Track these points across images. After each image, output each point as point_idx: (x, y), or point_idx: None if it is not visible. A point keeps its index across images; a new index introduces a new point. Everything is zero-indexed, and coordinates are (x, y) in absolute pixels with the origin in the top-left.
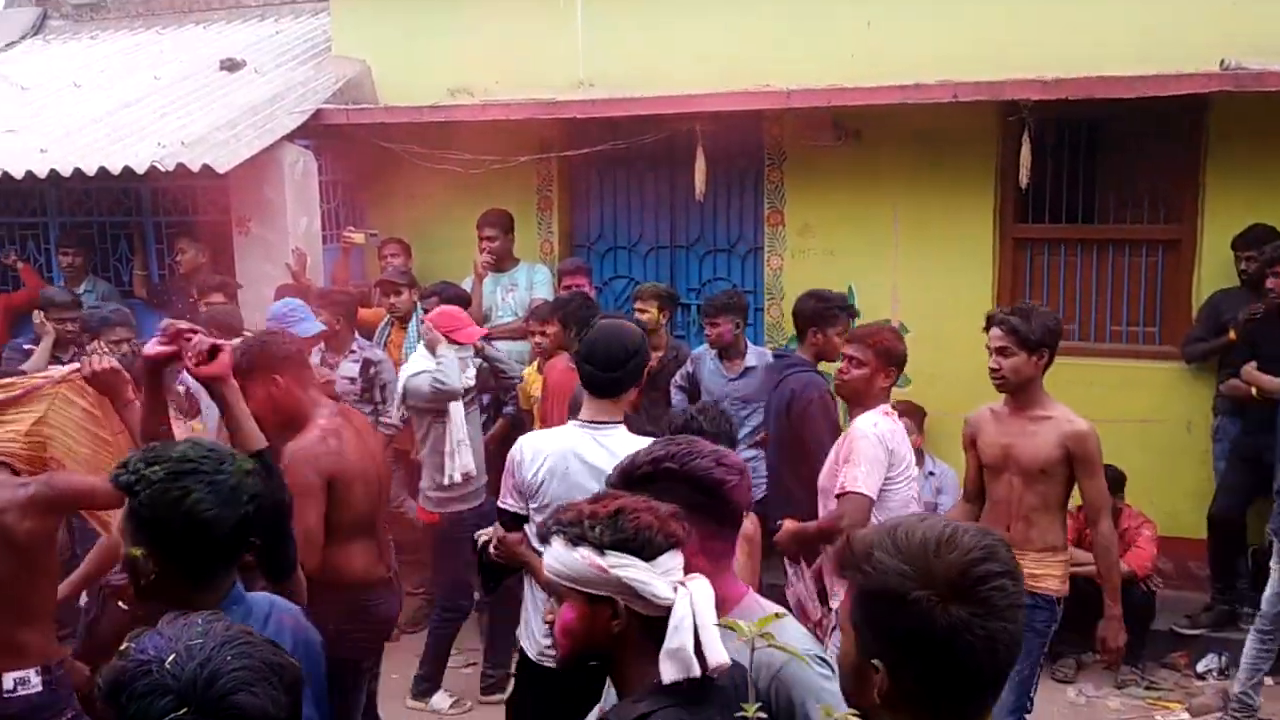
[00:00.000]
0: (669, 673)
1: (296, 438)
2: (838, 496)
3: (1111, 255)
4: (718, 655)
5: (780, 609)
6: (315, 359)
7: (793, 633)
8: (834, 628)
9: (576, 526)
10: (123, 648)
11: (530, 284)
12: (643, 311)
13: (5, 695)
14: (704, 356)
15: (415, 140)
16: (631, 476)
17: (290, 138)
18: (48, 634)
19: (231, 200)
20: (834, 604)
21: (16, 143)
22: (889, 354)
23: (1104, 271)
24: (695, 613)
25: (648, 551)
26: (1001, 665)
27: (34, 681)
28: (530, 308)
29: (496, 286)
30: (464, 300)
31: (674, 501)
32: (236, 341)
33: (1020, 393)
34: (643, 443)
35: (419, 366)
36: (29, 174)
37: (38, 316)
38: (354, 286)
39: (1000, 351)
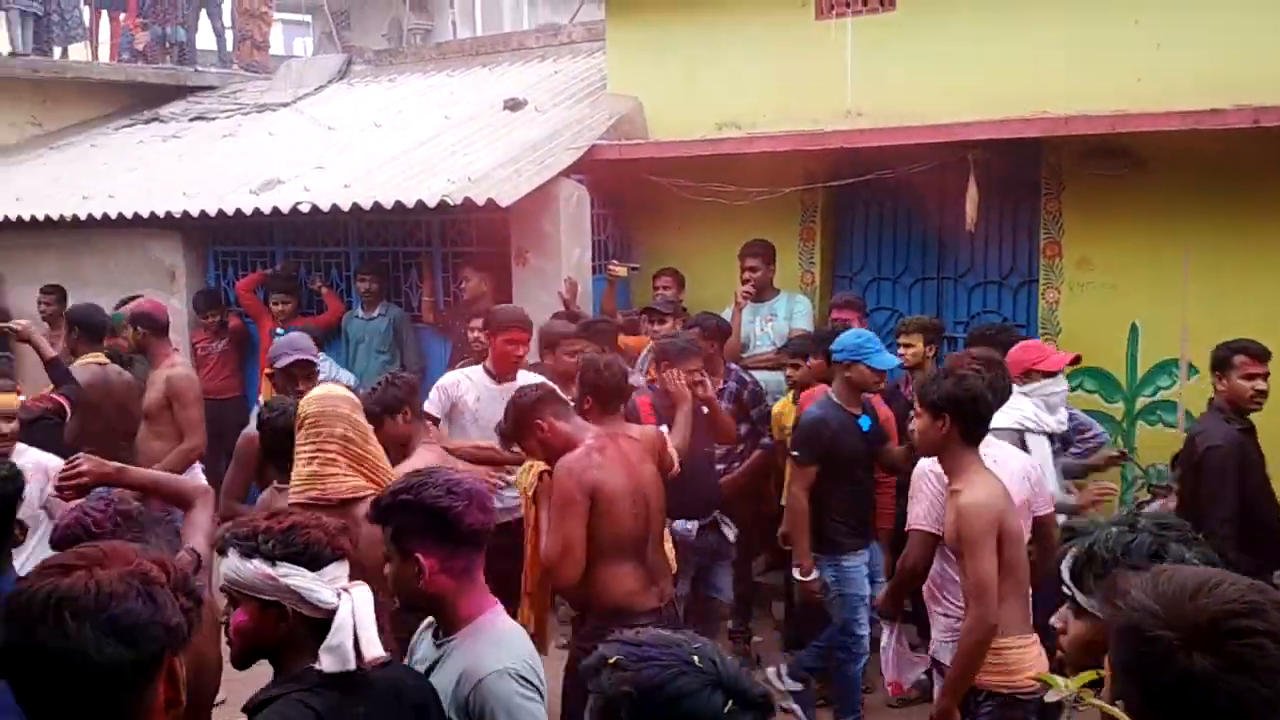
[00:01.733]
0: (328, 665)
1: (562, 458)
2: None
3: None
4: (374, 650)
5: (519, 627)
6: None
7: (512, 651)
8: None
9: (251, 541)
10: (612, 659)
11: (790, 314)
12: (907, 345)
13: None
14: None
15: (683, 173)
16: (378, 507)
17: (566, 173)
18: None
19: (511, 232)
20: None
21: (324, 179)
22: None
23: None
24: (355, 614)
25: (316, 563)
26: None
27: None
28: (788, 339)
29: (755, 316)
30: (725, 330)
31: (414, 527)
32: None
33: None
34: None
35: None
36: (334, 207)
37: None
38: (622, 316)
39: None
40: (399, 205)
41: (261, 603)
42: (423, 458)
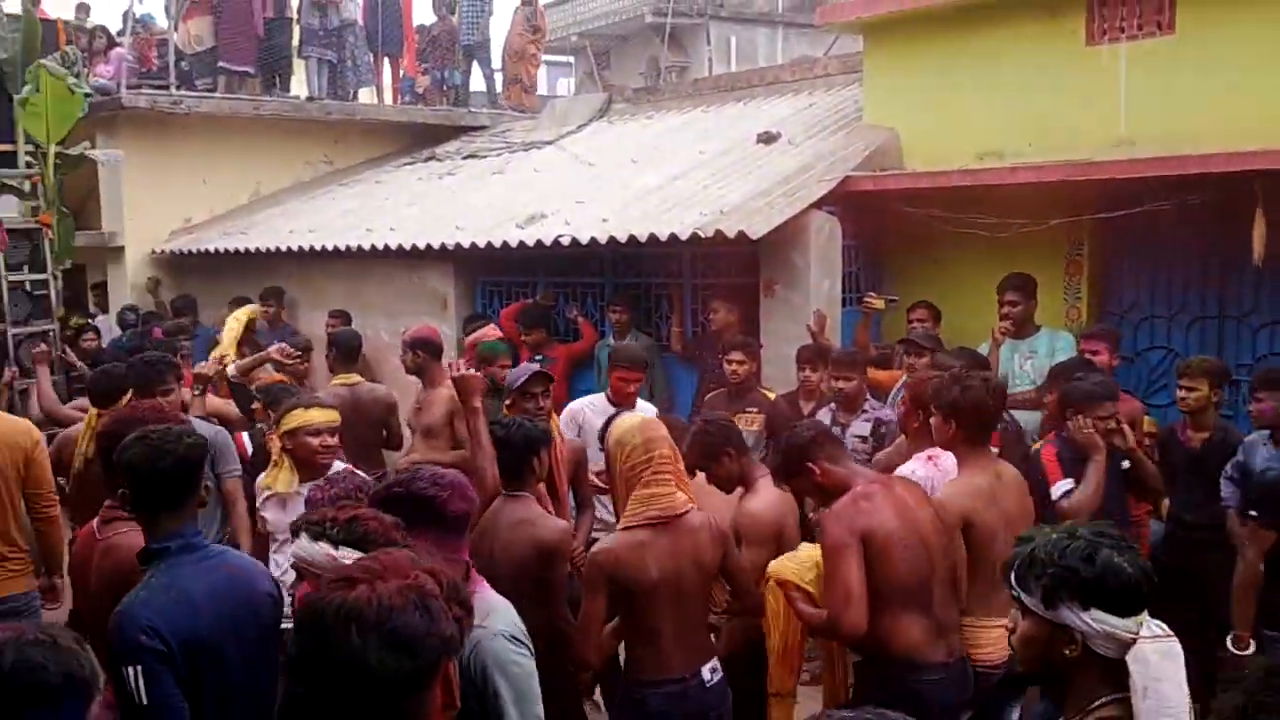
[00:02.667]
0: None
1: (831, 505)
2: None
3: None
4: None
5: (506, 600)
6: (826, 418)
7: (503, 616)
8: None
9: (319, 526)
10: None
11: (1051, 352)
12: (1190, 389)
13: (707, 686)
14: (1256, 444)
15: (940, 205)
16: (377, 499)
17: (818, 204)
18: None
19: (761, 264)
20: None
21: (584, 213)
22: (917, 399)
23: None
24: None
25: (371, 550)
26: None
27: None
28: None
29: (1014, 353)
30: (983, 367)
31: (404, 515)
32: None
33: None
34: None
35: None
36: (592, 240)
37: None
38: (874, 349)
39: None
40: (653, 238)
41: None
42: (766, 492)
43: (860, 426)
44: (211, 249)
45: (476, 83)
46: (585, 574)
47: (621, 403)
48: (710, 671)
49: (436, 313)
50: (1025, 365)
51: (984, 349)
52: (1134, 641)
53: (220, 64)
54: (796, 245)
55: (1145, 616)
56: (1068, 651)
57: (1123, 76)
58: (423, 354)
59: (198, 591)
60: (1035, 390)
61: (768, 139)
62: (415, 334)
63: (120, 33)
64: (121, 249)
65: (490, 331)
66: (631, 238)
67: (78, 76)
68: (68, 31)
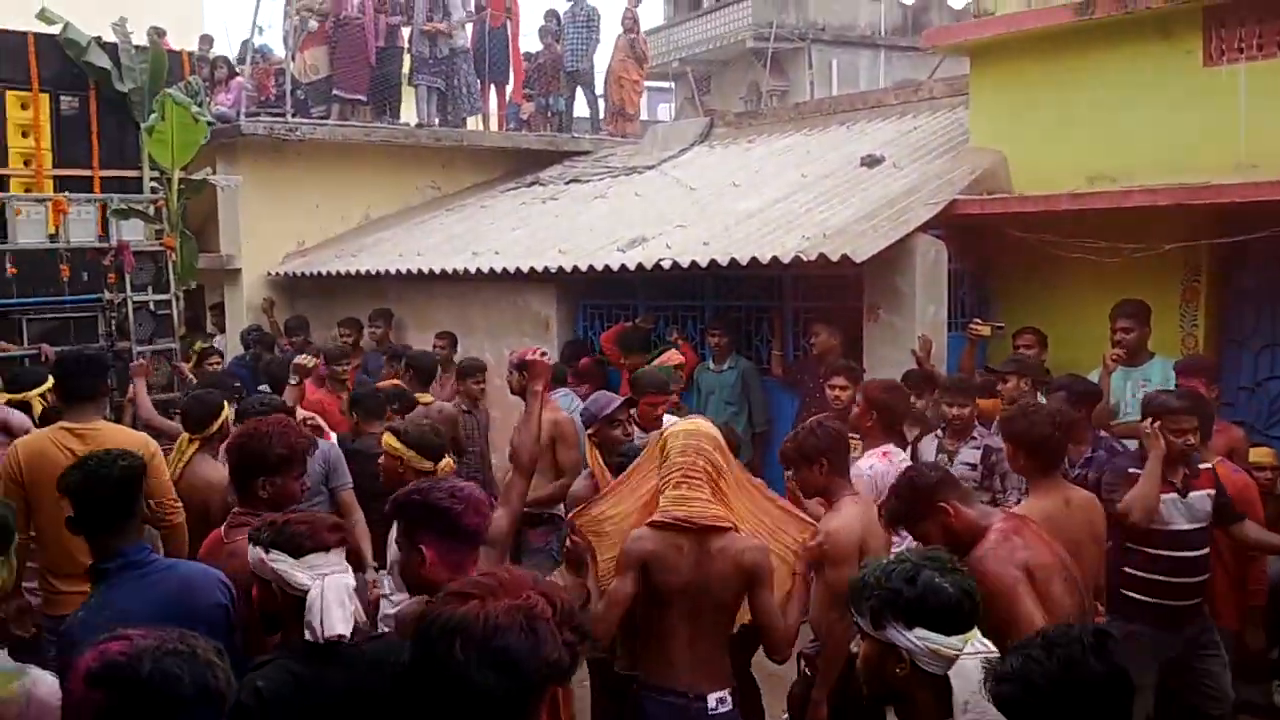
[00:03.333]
0: (307, 635)
1: (975, 548)
2: None
3: None
4: (330, 629)
5: None
6: (932, 445)
7: None
8: None
9: (256, 531)
10: None
11: (1165, 380)
12: None
13: (710, 713)
14: None
15: (1048, 229)
16: (394, 504)
17: (923, 228)
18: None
19: (865, 288)
20: None
21: (685, 236)
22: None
23: None
24: (323, 596)
25: (297, 551)
26: None
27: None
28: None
29: (1127, 381)
30: (1094, 395)
31: (420, 522)
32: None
33: None
34: None
35: None
36: (693, 263)
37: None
38: (979, 375)
39: None
40: (754, 261)
41: (263, 581)
42: (848, 509)
43: (969, 454)
44: (323, 271)
45: (581, 109)
46: (623, 557)
47: (649, 427)
48: (718, 701)
49: (539, 334)
50: (1138, 393)
51: (1095, 376)
52: (957, 658)
53: (334, 92)
54: (901, 269)
55: (974, 635)
56: (898, 670)
57: (1242, 98)
58: (527, 375)
59: (134, 608)
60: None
61: (871, 162)
62: (521, 356)
63: (240, 62)
64: (239, 271)
65: (672, 356)
66: (733, 261)
67: (200, 105)
68: (191, 62)
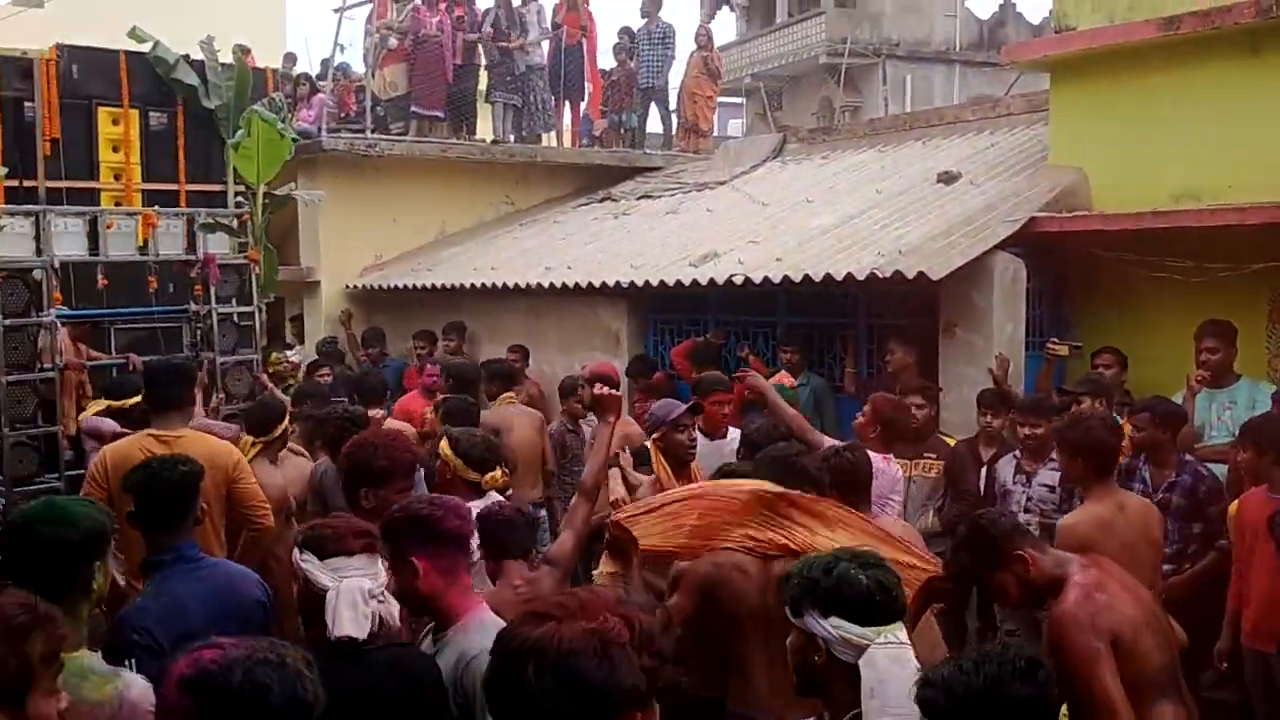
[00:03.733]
0: (330, 633)
1: (1056, 604)
2: None
3: None
4: (341, 629)
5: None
6: (1009, 466)
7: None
8: None
9: (300, 535)
10: None
11: (1251, 403)
12: None
13: None
14: None
15: (1130, 247)
16: (381, 529)
17: (1001, 246)
18: None
19: (941, 305)
20: None
21: (757, 252)
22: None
23: None
24: (337, 598)
25: (320, 553)
26: None
27: None
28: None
29: (1212, 403)
30: (1178, 417)
31: (406, 535)
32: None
33: None
34: None
35: None
36: (766, 279)
37: None
38: (1055, 396)
39: None
40: (828, 278)
41: (296, 578)
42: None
43: (1047, 475)
44: (399, 285)
45: (653, 125)
46: (685, 579)
47: (715, 430)
48: None
49: (610, 349)
50: (1223, 416)
51: (1179, 398)
52: (867, 647)
53: (412, 109)
54: (979, 287)
55: (892, 628)
56: (816, 658)
57: None
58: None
59: (189, 597)
60: (1231, 444)
61: (948, 179)
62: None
63: (321, 79)
64: (318, 283)
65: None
66: (806, 277)
67: (284, 122)
68: (275, 79)
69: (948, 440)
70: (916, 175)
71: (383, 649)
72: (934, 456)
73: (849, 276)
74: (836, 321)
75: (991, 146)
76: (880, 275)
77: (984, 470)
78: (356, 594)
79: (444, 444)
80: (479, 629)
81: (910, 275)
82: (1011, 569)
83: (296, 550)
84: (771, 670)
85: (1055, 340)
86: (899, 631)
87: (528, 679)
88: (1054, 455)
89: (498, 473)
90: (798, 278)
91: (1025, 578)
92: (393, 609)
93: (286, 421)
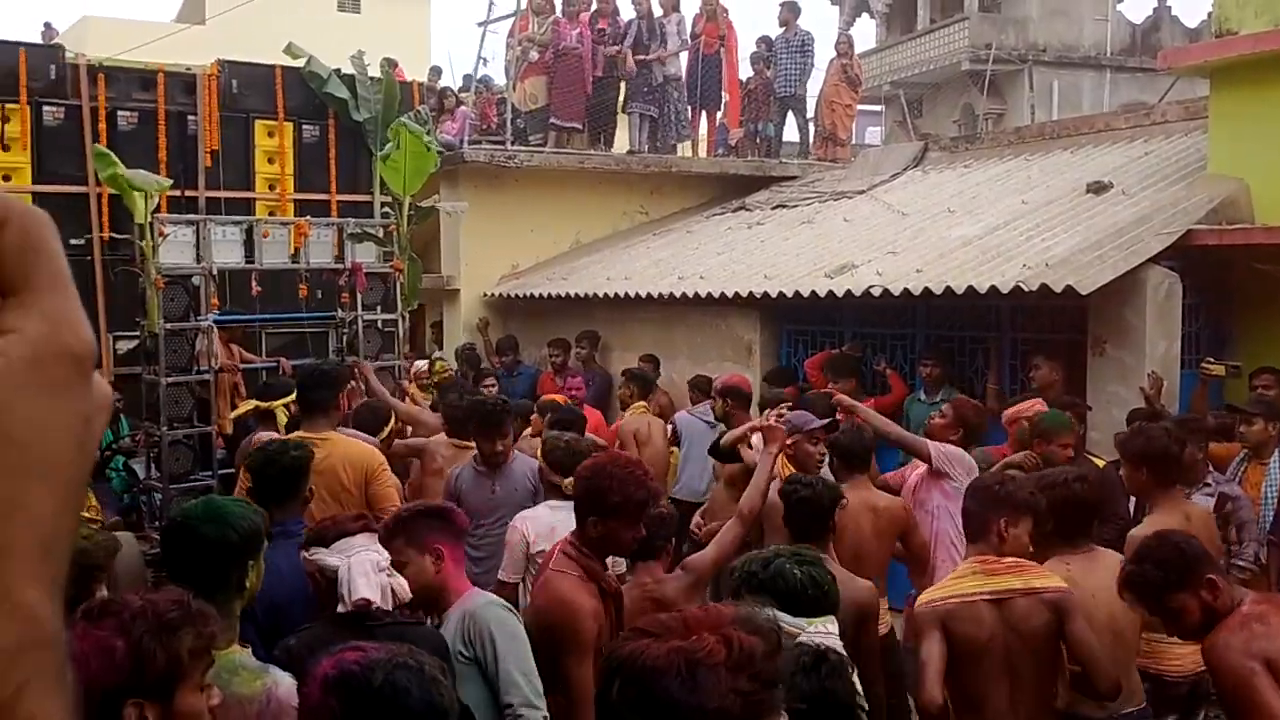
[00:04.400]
0: (339, 607)
1: (1213, 633)
2: None
3: None
4: (356, 594)
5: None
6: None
7: (495, 598)
8: None
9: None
10: None
11: None
12: None
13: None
14: None
15: None
16: (394, 523)
17: (1155, 259)
18: None
19: (1089, 320)
20: None
21: (896, 263)
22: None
23: None
24: (350, 570)
25: (324, 541)
26: None
27: None
28: None
29: None
30: None
31: (426, 525)
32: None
33: None
34: None
35: None
36: (905, 291)
37: None
38: (1214, 416)
39: None
40: (970, 290)
41: (310, 576)
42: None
43: (1202, 500)
44: (535, 293)
45: (790, 133)
46: (915, 621)
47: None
48: None
49: (742, 359)
50: None
51: None
52: (797, 636)
53: (551, 120)
54: (1131, 302)
55: (822, 620)
56: None
57: None
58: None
59: (284, 569)
60: None
61: (1099, 189)
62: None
63: (463, 90)
64: (457, 291)
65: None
66: (948, 290)
67: (429, 134)
68: (420, 92)
69: (1097, 461)
70: (1065, 185)
71: (390, 625)
72: None
73: (992, 290)
74: (978, 335)
75: (1145, 155)
76: (1025, 289)
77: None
78: (368, 564)
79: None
80: (475, 596)
81: (1058, 289)
82: (1198, 593)
83: (303, 552)
84: (1011, 710)
85: (1210, 360)
86: (829, 624)
87: (612, 696)
88: (1209, 480)
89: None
90: (939, 290)
91: (1210, 604)
92: (401, 582)
93: (393, 423)
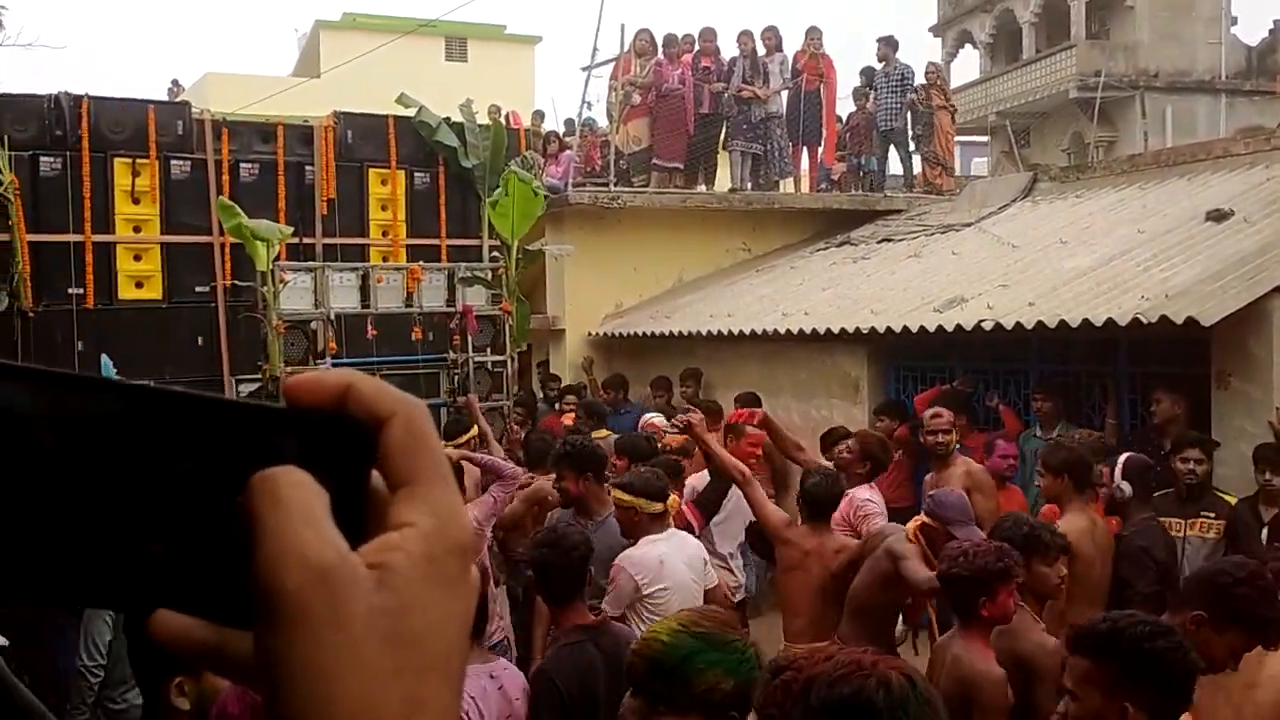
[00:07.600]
0: None
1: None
2: None
3: None
4: None
5: None
6: None
7: None
8: None
9: None
10: None
11: None
12: None
13: None
14: None
15: None
16: None
17: None
18: None
19: (1213, 353)
20: None
21: (1007, 296)
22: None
23: None
24: None
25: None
26: None
27: None
28: None
29: None
30: None
31: None
32: None
33: None
34: None
35: None
36: (1018, 325)
37: None
38: None
39: None
40: (1085, 323)
41: None
42: None
43: None
44: (638, 332)
45: (894, 167)
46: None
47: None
48: None
49: (849, 396)
50: None
51: None
52: None
53: (654, 161)
54: (1256, 333)
55: None
56: None
57: None
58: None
59: None
60: None
61: (1219, 217)
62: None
63: (568, 134)
64: (562, 331)
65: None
66: (1062, 323)
67: (536, 180)
68: (527, 137)
69: (1227, 498)
70: (1182, 214)
71: None
72: (1212, 516)
73: (1109, 322)
74: (1095, 369)
75: (1267, 181)
76: (1144, 321)
77: (1264, 531)
78: None
79: (617, 493)
80: None
81: (1178, 321)
82: (1257, 629)
83: None
84: None
85: None
86: None
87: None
88: None
89: (674, 497)
90: (1053, 323)
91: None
92: None
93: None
